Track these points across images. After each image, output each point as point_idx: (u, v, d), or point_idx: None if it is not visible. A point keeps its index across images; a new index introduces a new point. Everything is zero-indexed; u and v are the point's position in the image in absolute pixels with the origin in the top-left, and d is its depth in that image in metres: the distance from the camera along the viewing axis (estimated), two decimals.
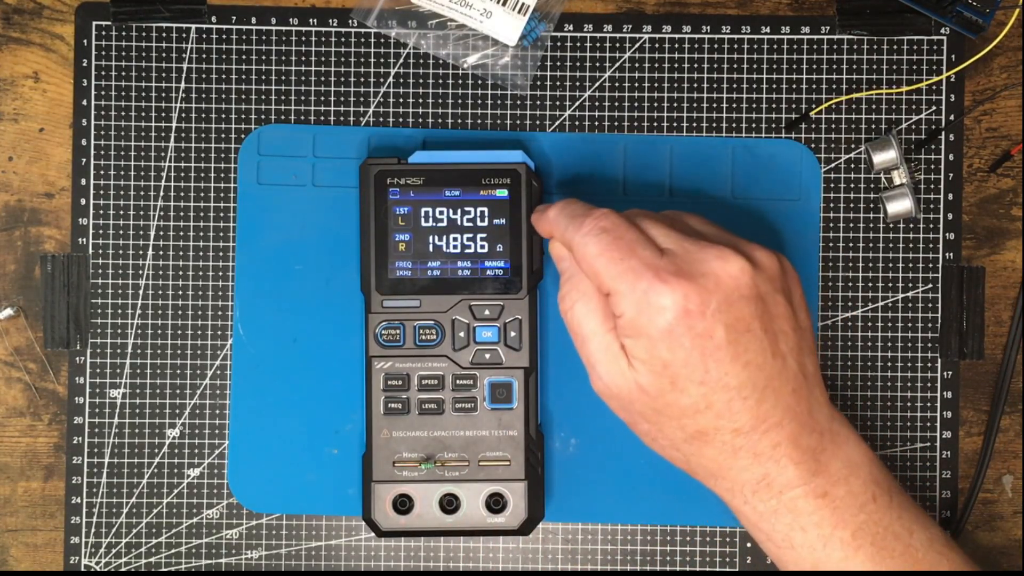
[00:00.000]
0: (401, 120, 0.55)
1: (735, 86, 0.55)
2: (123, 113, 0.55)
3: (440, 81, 0.55)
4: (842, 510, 0.44)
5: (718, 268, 0.43)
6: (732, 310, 0.42)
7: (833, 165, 0.55)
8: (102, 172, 0.55)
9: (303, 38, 0.55)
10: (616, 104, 0.55)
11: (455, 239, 0.52)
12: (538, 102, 0.55)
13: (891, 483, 0.46)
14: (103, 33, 0.55)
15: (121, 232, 0.55)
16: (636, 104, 0.55)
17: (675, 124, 0.55)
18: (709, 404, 0.43)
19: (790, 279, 0.46)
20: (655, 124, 0.55)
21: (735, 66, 0.55)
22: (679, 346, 0.42)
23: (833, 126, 0.55)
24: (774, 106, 0.55)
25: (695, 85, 0.55)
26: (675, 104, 0.55)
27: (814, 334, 0.46)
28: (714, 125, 0.55)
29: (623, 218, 0.45)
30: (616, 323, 0.44)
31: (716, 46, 0.55)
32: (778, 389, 0.43)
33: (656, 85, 0.55)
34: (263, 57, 0.55)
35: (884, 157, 0.54)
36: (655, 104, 0.55)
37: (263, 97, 0.55)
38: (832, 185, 0.55)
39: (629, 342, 0.43)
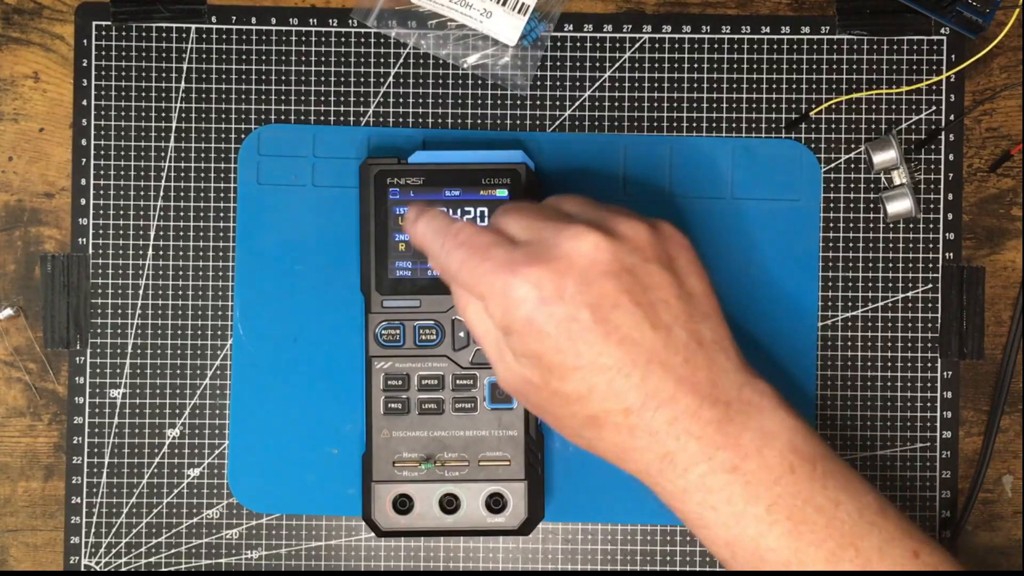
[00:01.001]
0: (401, 120, 0.55)
1: (735, 86, 0.55)
2: (123, 113, 0.55)
3: (440, 81, 0.55)
4: (754, 484, 0.41)
5: (570, 248, 0.41)
6: (592, 288, 0.41)
7: (833, 165, 0.55)
8: (102, 172, 0.55)
9: (303, 38, 0.55)
10: (616, 104, 0.55)
11: None
12: (538, 102, 0.55)
13: (816, 451, 0.43)
14: (103, 33, 0.55)
15: (121, 232, 0.55)
16: (636, 104, 0.55)
17: (675, 124, 0.55)
18: (591, 387, 0.41)
19: (671, 245, 0.43)
20: (655, 124, 0.55)
21: (735, 66, 0.55)
22: (545, 334, 0.41)
23: (833, 126, 0.55)
24: (774, 106, 0.55)
25: (695, 85, 0.55)
26: (675, 104, 0.55)
27: (714, 299, 0.44)
28: (714, 125, 0.55)
29: (478, 227, 0.44)
30: (493, 324, 0.43)
31: (716, 46, 0.55)
32: (665, 362, 0.41)
33: (656, 85, 0.55)
34: (263, 57, 0.55)
35: (884, 157, 0.54)
36: (655, 104, 0.55)
37: (263, 97, 0.55)
38: (832, 185, 0.55)
39: (507, 340, 0.43)
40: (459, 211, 0.52)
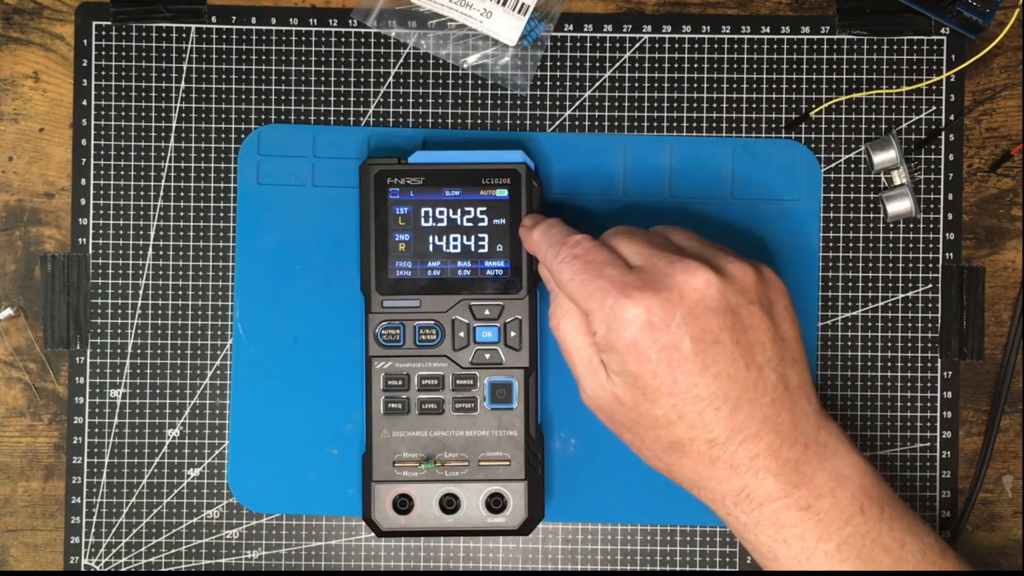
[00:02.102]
0: (401, 120, 0.55)
1: (735, 86, 0.55)
2: (123, 113, 0.55)
3: (440, 81, 0.55)
4: (826, 523, 0.44)
5: (682, 281, 0.43)
6: (698, 322, 0.43)
7: (833, 165, 0.55)
8: (102, 172, 0.55)
9: (303, 38, 0.55)
10: (616, 104, 0.55)
11: (455, 239, 0.52)
12: (538, 102, 0.55)
13: (884, 493, 0.45)
14: (103, 33, 0.55)
15: (121, 232, 0.55)
16: (636, 104, 0.55)
17: (675, 124, 0.55)
18: (681, 415, 0.43)
19: (772, 290, 0.45)
20: (655, 124, 0.55)
21: (735, 66, 0.55)
22: (646, 358, 0.43)
23: (833, 126, 0.55)
24: (774, 106, 0.55)
25: (695, 85, 0.55)
26: (675, 104, 0.55)
27: (802, 345, 0.46)
28: (714, 125, 0.55)
29: (595, 242, 0.46)
30: (594, 340, 0.45)
31: (716, 46, 0.55)
32: (754, 400, 0.43)
33: (656, 85, 0.55)
34: (263, 57, 0.55)
35: (884, 157, 0.54)
36: (655, 104, 0.55)
37: (263, 97, 0.55)
38: (832, 185, 0.55)
39: (605, 356, 0.45)
40: (459, 211, 0.52)
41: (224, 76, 0.55)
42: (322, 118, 0.55)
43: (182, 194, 0.55)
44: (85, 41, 0.55)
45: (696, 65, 0.55)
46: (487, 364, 0.52)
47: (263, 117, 0.55)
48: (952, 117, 0.55)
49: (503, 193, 0.52)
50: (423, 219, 0.52)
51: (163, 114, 0.55)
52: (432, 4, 0.55)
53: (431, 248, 0.52)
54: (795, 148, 0.55)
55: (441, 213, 0.52)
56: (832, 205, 0.55)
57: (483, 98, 0.55)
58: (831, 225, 0.55)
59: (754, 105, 0.55)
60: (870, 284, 0.55)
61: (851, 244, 0.55)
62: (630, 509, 0.55)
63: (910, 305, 0.55)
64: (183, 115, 0.55)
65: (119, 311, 0.55)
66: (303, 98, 0.55)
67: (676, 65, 0.55)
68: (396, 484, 0.52)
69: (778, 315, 0.45)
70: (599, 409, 0.46)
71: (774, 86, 0.55)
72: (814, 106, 0.55)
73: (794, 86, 0.55)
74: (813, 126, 0.55)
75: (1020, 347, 0.55)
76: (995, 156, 0.56)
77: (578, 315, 0.46)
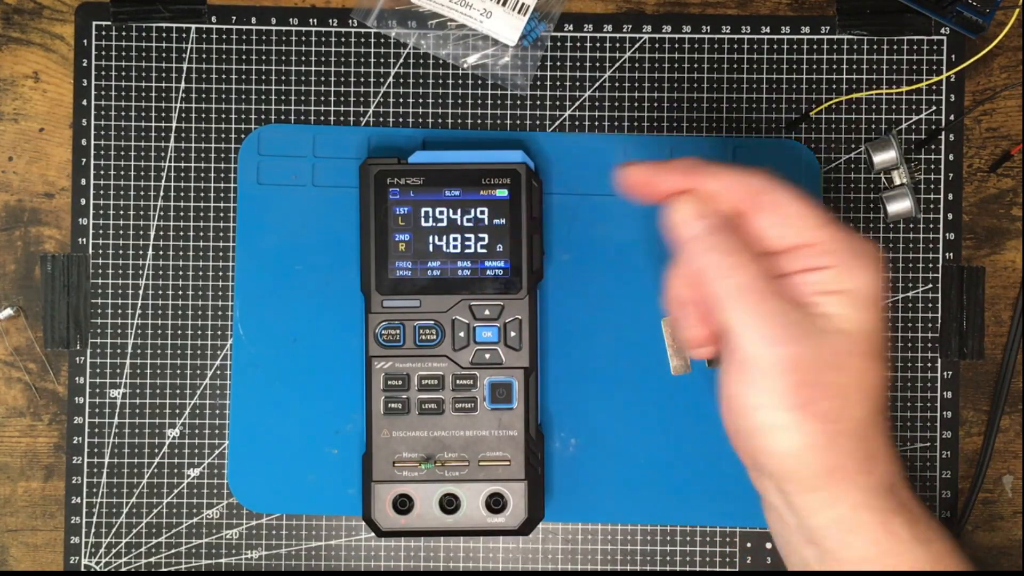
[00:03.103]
0: (401, 120, 0.55)
1: (735, 86, 0.55)
2: (123, 113, 0.55)
3: (440, 81, 0.55)
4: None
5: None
6: None
7: (833, 165, 0.55)
8: (102, 172, 0.55)
9: (303, 38, 0.55)
10: (616, 104, 0.55)
11: (455, 239, 0.52)
12: (538, 102, 0.55)
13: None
14: (103, 33, 0.55)
15: (121, 232, 0.55)
16: (636, 104, 0.55)
17: (675, 124, 0.55)
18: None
19: None
20: (655, 124, 0.55)
21: (735, 66, 0.55)
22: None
23: (833, 126, 0.55)
24: (774, 106, 0.55)
25: (695, 85, 0.55)
26: (675, 104, 0.55)
27: None
28: (714, 125, 0.55)
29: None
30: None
31: (716, 46, 0.55)
32: None
33: (656, 85, 0.55)
34: (263, 57, 0.55)
35: (884, 157, 0.54)
36: (655, 104, 0.55)
37: (263, 97, 0.55)
38: (832, 185, 0.55)
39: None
40: (459, 211, 0.52)
41: (224, 76, 0.55)
42: (322, 118, 0.55)
43: (182, 194, 0.55)
44: (85, 41, 0.55)
45: (696, 65, 0.55)
46: (487, 364, 0.52)
47: (263, 117, 0.55)
48: (952, 117, 0.55)
49: (503, 193, 0.52)
50: (423, 219, 0.52)
51: (163, 114, 0.55)
52: (432, 4, 0.55)
53: (431, 248, 0.52)
54: (795, 148, 0.55)
55: (441, 213, 0.52)
56: (832, 205, 0.55)
57: (483, 98, 0.55)
58: None
59: (754, 105, 0.55)
60: None
61: None
62: (630, 509, 0.55)
63: (910, 305, 0.55)
64: (183, 115, 0.55)
65: (119, 311, 0.55)
66: (303, 98, 0.55)
67: (676, 65, 0.55)
68: (396, 484, 0.52)
69: None
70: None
71: (774, 86, 0.55)
72: (814, 106, 0.55)
73: (794, 86, 0.55)
74: (813, 126, 0.55)
75: (1020, 347, 0.55)
76: (995, 156, 0.56)
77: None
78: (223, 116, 0.55)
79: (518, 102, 0.55)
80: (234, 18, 0.55)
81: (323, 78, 0.55)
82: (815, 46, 0.55)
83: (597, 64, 0.55)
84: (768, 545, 0.55)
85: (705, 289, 0.40)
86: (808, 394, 0.39)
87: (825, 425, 0.39)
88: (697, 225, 0.41)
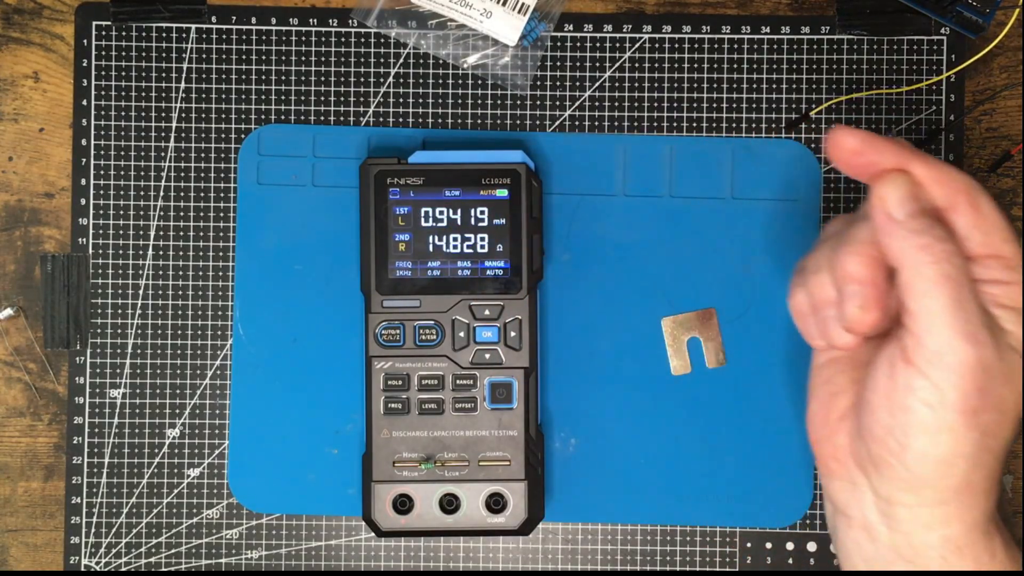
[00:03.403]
0: (401, 120, 0.55)
1: (735, 86, 0.55)
2: (123, 113, 0.55)
3: (440, 81, 0.55)
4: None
5: None
6: None
7: (833, 165, 0.55)
8: (102, 172, 0.55)
9: (303, 38, 0.55)
10: (616, 104, 0.55)
11: (455, 239, 0.52)
12: (538, 102, 0.55)
13: None
14: (103, 33, 0.55)
15: (121, 232, 0.55)
16: (636, 104, 0.55)
17: (675, 124, 0.55)
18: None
19: None
20: (655, 124, 0.55)
21: (735, 66, 0.55)
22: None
23: (833, 126, 0.55)
24: (774, 106, 0.55)
25: (695, 85, 0.55)
26: (675, 104, 0.55)
27: None
28: (714, 125, 0.55)
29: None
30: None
31: (716, 46, 0.55)
32: None
33: (656, 85, 0.55)
34: (263, 57, 0.55)
35: None
36: (655, 104, 0.55)
37: (263, 97, 0.55)
38: (832, 185, 0.55)
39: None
40: (459, 211, 0.52)
41: (224, 76, 0.55)
42: (322, 118, 0.55)
43: (182, 194, 0.55)
44: (85, 41, 0.55)
45: (696, 65, 0.55)
46: (487, 364, 0.52)
47: (263, 117, 0.55)
48: (952, 117, 0.55)
49: (503, 193, 0.52)
50: (423, 219, 0.52)
51: (163, 114, 0.55)
52: (432, 4, 0.55)
53: (431, 248, 0.52)
54: (795, 148, 0.55)
55: (441, 213, 0.52)
56: (832, 205, 0.55)
57: (483, 98, 0.55)
58: None
59: (754, 105, 0.55)
60: None
61: None
62: (630, 509, 0.55)
63: None
64: (183, 115, 0.55)
65: (119, 311, 0.55)
66: (303, 98, 0.55)
67: (676, 65, 0.55)
68: (396, 484, 0.52)
69: None
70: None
71: (774, 86, 0.55)
72: (814, 106, 0.55)
73: (794, 86, 0.55)
74: (813, 126, 0.55)
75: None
76: (995, 156, 0.56)
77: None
78: (223, 116, 0.55)
79: (518, 102, 0.55)
80: (234, 18, 0.55)
81: (323, 78, 0.55)
82: (815, 46, 0.55)
83: (597, 64, 0.55)
84: (768, 545, 0.55)
85: (900, 273, 0.39)
86: (980, 403, 0.37)
87: (983, 438, 0.38)
88: (909, 206, 0.39)
